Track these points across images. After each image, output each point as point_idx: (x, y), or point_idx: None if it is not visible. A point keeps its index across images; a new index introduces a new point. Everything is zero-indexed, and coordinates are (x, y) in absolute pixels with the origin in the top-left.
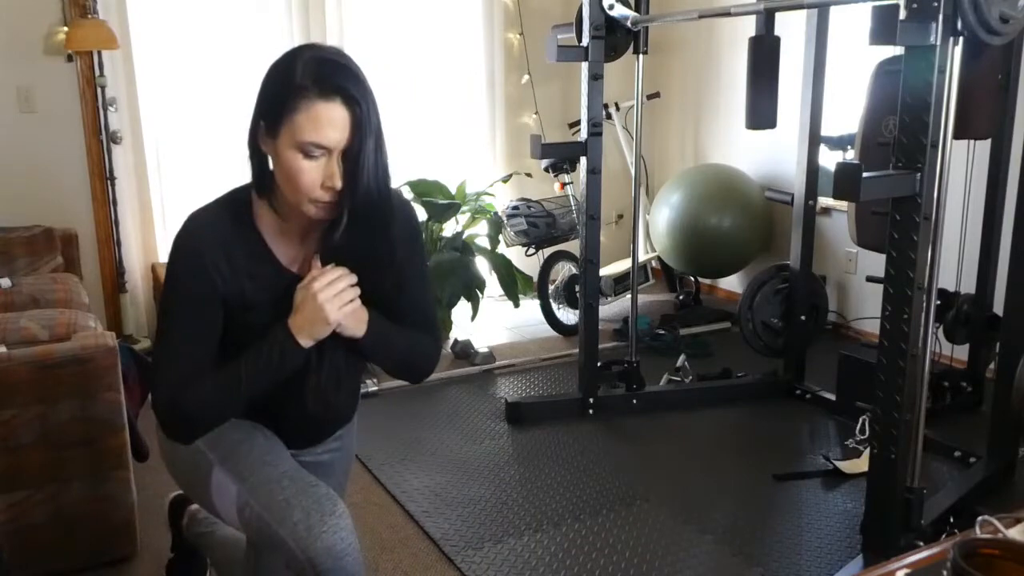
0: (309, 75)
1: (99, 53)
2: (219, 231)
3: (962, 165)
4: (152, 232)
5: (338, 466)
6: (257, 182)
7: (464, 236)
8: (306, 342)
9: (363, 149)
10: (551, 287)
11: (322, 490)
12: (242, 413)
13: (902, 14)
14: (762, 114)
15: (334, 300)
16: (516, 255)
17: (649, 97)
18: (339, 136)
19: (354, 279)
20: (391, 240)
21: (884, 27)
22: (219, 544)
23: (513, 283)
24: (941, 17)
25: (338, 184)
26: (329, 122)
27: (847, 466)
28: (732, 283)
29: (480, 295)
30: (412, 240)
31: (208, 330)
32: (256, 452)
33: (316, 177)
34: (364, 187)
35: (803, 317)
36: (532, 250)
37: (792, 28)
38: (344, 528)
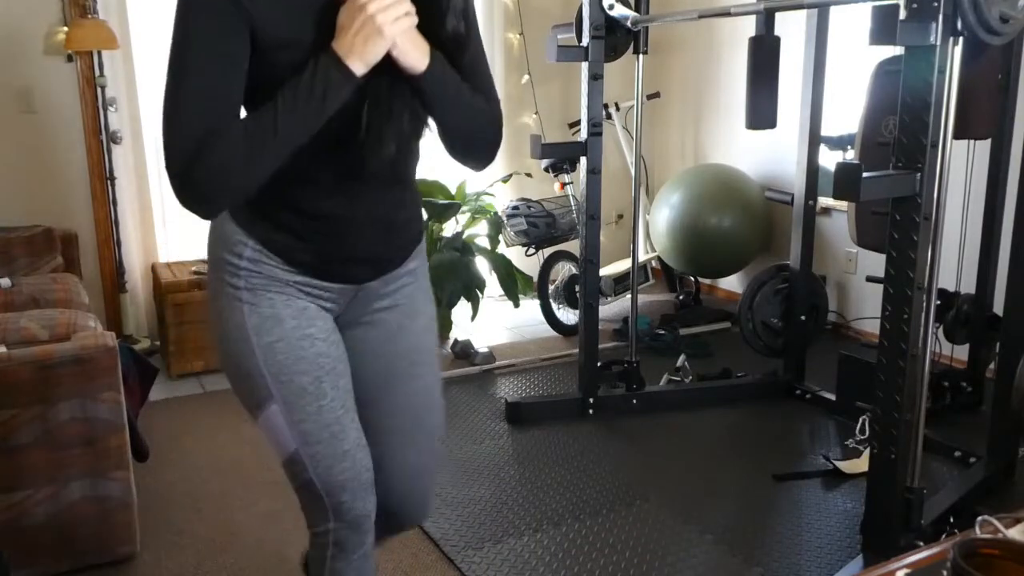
0: None
1: (99, 53)
2: None
3: (962, 165)
4: (152, 232)
5: (423, 338)
6: None
7: (464, 236)
8: (357, 66)
9: None
10: (551, 287)
11: (372, 475)
12: (283, 206)
13: (902, 14)
14: (762, 114)
15: (388, 11)
16: (516, 255)
17: (649, 97)
18: None
19: (409, 4)
20: None
21: (884, 27)
22: None
23: (513, 283)
24: (941, 17)
25: None
26: None
27: (847, 466)
28: (732, 283)
29: (480, 295)
30: None
31: (231, 71)
32: (324, 415)
33: None
34: None
35: (803, 317)
36: (532, 250)
37: (792, 28)
38: (372, 505)
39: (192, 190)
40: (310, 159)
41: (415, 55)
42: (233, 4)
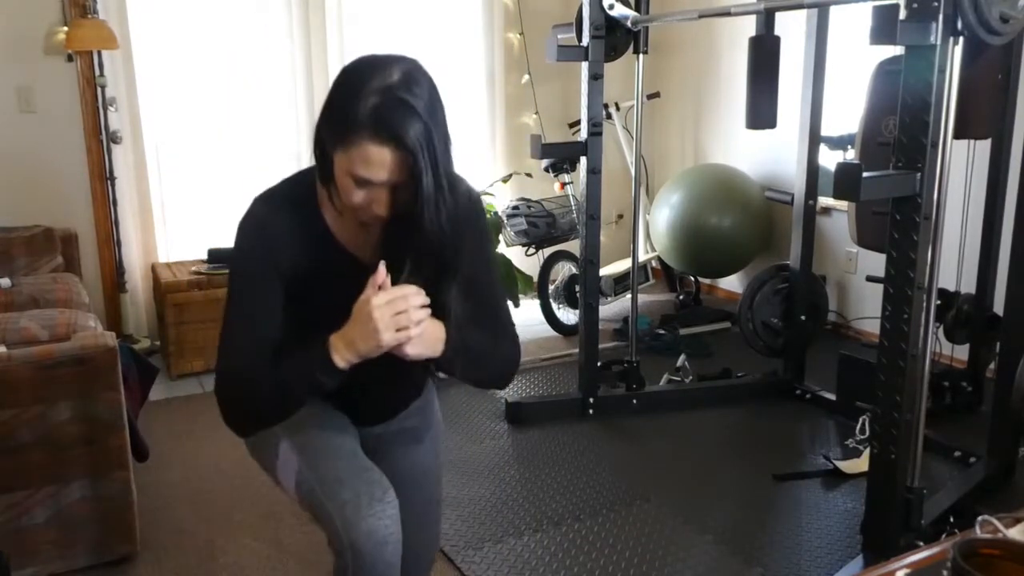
0: (369, 115)
1: (99, 53)
2: (283, 211)
3: (962, 165)
4: (152, 232)
5: (423, 446)
6: (320, 172)
7: None
8: (343, 361)
9: (420, 188)
10: (551, 287)
11: (375, 475)
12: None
13: (902, 14)
14: (762, 114)
15: (391, 320)
16: (516, 255)
17: (649, 97)
18: (387, 176)
19: (423, 298)
20: (458, 246)
21: (884, 27)
22: None
23: (513, 283)
24: (941, 17)
25: (382, 213)
26: (380, 164)
27: (847, 466)
28: (732, 283)
29: None
30: (479, 236)
31: (269, 313)
32: (322, 431)
33: (366, 200)
34: (429, 223)
35: (803, 317)
36: (532, 250)
37: (792, 28)
38: (389, 516)
39: (223, 411)
40: None
41: (429, 349)
42: (269, 257)
